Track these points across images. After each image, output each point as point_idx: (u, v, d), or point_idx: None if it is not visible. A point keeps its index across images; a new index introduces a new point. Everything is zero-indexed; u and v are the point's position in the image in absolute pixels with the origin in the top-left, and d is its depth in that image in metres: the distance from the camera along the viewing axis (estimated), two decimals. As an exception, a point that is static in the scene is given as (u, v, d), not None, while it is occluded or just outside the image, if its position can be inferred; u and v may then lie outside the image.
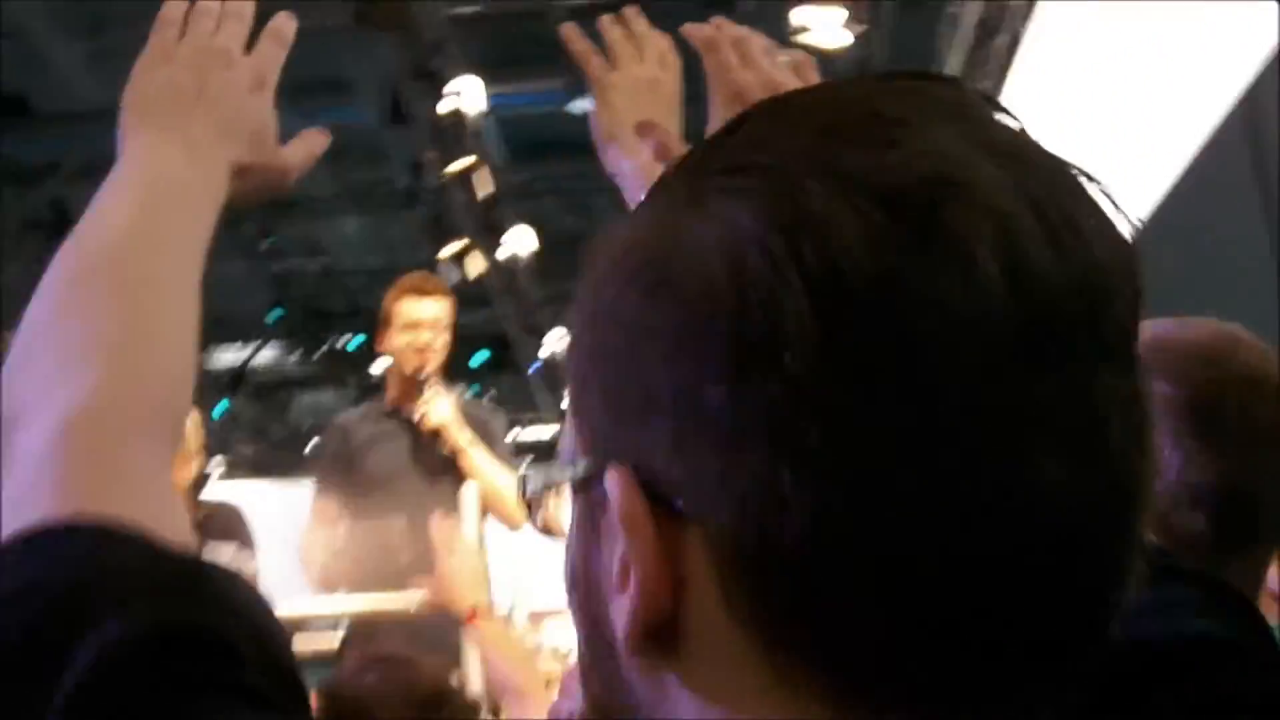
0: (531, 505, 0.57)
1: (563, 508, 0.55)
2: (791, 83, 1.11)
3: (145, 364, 0.71)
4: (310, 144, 0.97)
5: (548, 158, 9.19)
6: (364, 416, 4.07)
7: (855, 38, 6.38)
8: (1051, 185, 0.49)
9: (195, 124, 0.86)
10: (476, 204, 8.51)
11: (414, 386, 3.83)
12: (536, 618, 5.39)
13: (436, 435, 3.79)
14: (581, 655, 0.56)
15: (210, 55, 0.91)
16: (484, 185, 8.34)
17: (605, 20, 1.26)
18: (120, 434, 0.66)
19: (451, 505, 3.59)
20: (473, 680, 3.05)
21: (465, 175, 8.17)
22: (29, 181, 8.87)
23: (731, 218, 0.48)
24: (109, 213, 0.78)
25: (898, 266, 0.45)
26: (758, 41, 1.16)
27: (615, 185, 1.16)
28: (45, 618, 0.55)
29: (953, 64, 6.16)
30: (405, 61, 7.19)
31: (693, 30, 1.16)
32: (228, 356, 12.04)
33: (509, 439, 4.32)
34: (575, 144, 9.13)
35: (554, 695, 2.37)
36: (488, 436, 3.88)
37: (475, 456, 3.78)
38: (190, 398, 0.74)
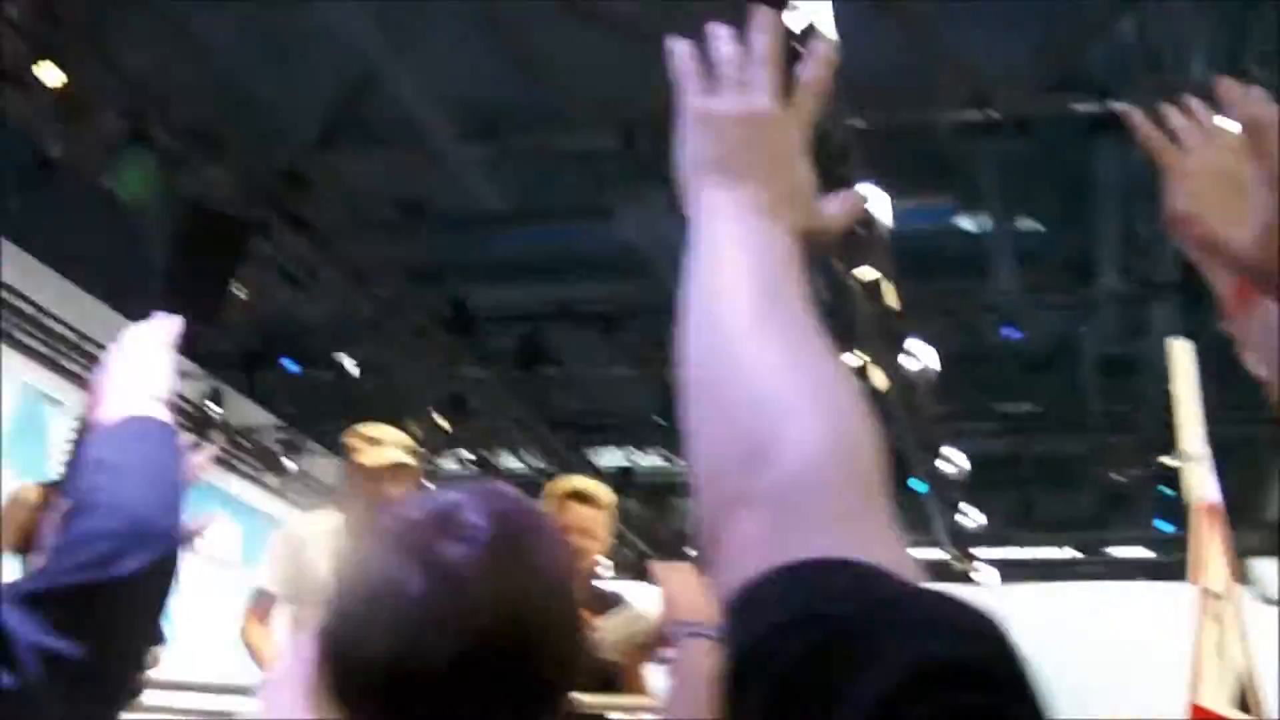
0: None
1: None
2: None
3: (850, 421, 0.69)
4: (850, 205, 0.91)
5: (934, 273, 8.91)
6: None
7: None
8: None
9: (764, 189, 0.84)
10: (879, 316, 8.34)
11: None
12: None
13: None
14: None
15: (755, 117, 0.87)
16: (889, 297, 8.16)
17: (1169, 109, 1.24)
18: (856, 483, 0.65)
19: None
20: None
21: (868, 287, 8.00)
22: (430, 280, 9.21)
23: None
24: (727, 280, 0.77)
25: None
26: None
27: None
28: (827, 646, 0.54)
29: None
30: (813, 165, 6.98)
31: (1233, 95, 1.06)
32: (614, 456, 12.23)
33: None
34: (960, 260, 8.84)
35: None
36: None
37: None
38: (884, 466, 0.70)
